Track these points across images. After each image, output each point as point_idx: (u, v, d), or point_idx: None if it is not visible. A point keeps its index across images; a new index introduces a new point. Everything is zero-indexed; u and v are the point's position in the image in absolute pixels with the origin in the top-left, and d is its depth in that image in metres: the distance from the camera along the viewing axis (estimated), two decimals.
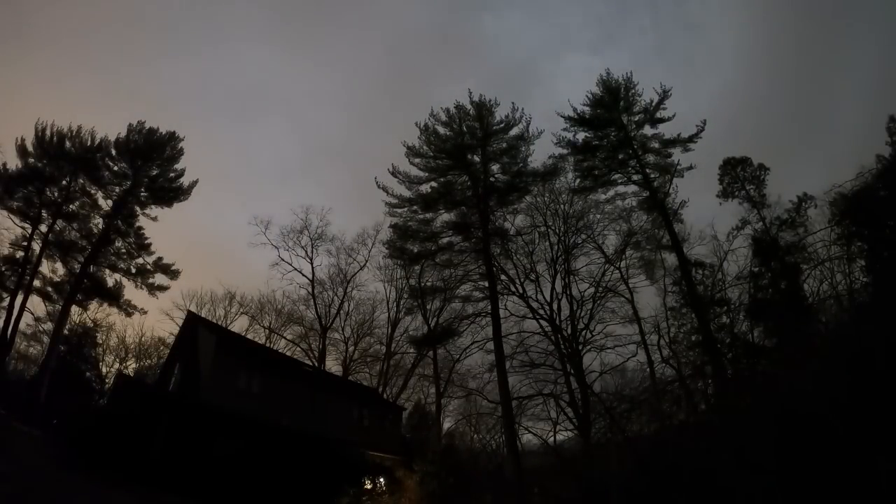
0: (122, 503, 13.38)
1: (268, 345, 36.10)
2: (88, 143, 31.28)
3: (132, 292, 33.05)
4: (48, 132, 30.60)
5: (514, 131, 27.05)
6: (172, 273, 33.17)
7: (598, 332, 26.01)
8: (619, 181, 26.62)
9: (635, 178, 26.09)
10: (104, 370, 34.45)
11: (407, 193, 27.68)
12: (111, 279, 32.47)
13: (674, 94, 25.33)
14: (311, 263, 37.75)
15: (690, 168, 25.25)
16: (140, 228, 32.67)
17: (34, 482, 12.81)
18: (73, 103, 67.24)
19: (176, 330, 30.86)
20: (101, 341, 34.81)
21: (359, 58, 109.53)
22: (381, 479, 21.61)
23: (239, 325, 39.02)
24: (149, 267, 32.75)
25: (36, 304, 32.24)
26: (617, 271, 26.56)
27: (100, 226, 31.88)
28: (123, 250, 32.66)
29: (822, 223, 20.47)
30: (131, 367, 38.56)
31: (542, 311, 26.25)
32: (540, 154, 48.20)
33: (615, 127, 26.35)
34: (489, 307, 25.80)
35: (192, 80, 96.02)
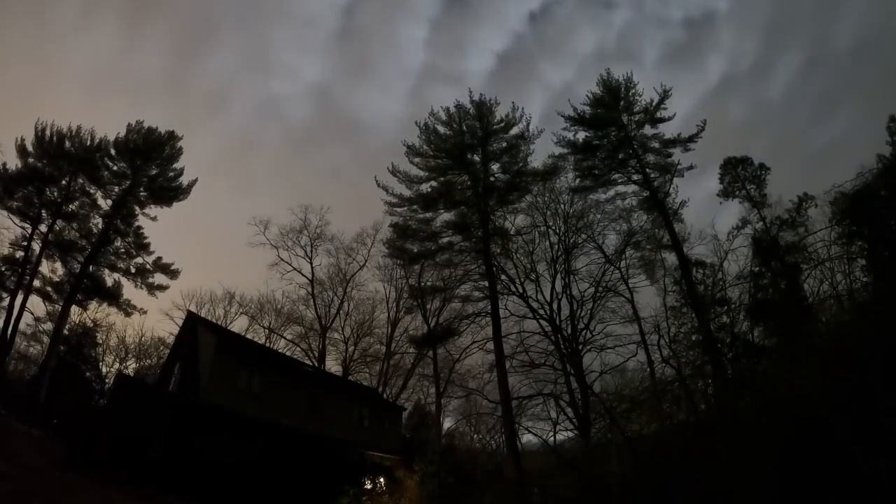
0: (122, 503, 13.38)
1: (268, 345, 36.12)
2: (88, 143, 31.30)
3: (132, 292, 33.15)
4: (48, 132, 30.64)
5: (515, 130, 27.09)
6: (172, 273, 33.24)
7: (598, 332, 26.11)
8: (619, 181, 26.66)
9: (635, 177, 26.11)
10: (104, 370, 34.52)
11: (407, 192, 27.71)
12: (110, 279, 32.56)
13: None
14: (311, 263, 37.79)
15: (691, 168, 25.34)
16: (139, 228, 32.77)
17: (34, 482, 12.81)
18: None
19: (176, 330, 30.88)
20: (101, 341, 34.92)
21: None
22: (381, 479, 21.63)
23: (239, 325, 39.10)
24: (148, 267, 32.81)
25: (36, 304, 32.30)
26: (617, 271, 26.60)
27: (99, 226, 31.95)
28: (123, 250, 32.71)
29: (822, 223, 20.47)
30: (131, 367, 38.60)
31: (542, 311, 26.29)
32: (540, 153, 48.41)
33: (615, 126, 26.36)
34: (489, 307, 25.81)
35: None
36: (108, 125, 69.36)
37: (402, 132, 66.91)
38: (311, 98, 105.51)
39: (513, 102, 28.95)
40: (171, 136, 33.06)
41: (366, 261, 37.90)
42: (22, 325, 30.84)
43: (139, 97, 75.75)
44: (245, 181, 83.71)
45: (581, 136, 26.78)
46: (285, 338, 38.78)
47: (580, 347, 25.53)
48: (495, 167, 27.79)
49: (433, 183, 27.72)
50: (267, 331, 39.13)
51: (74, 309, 31.65)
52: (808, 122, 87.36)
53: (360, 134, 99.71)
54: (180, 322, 31.34)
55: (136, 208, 32.65)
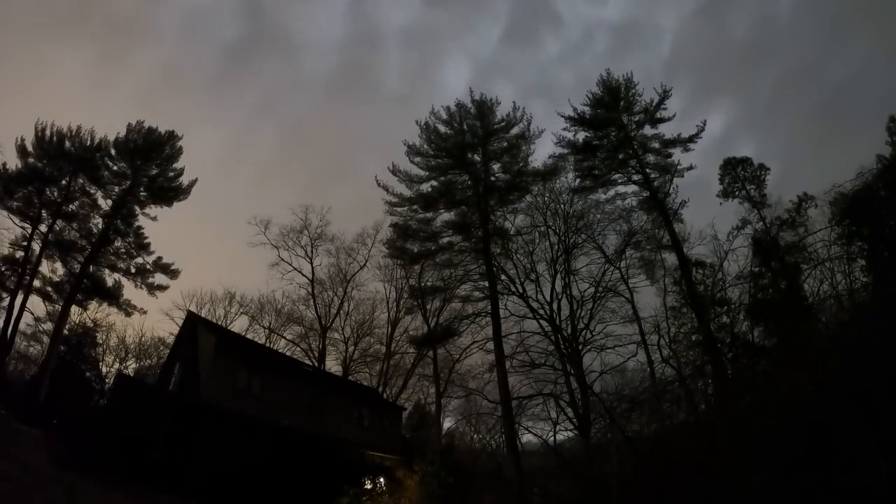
0: (122, 503, 13.39)
1: (268, 345, 36.10)
2: (88, 143, 31.28)
3: (132, 292, 33.10)
4: (48, 132, 30.61)
5: (515, 130, 27.17)
6: (172, 273, 33.20)
7: (598, 332, 26.09)
8: (620, 181, 26.73)
9: (635, 177, 26.15)
10: (104, 370, 34.48)
11: (407, 192, 27.75)
12: (110, 279, 32.52)
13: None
14: (311, 263, 37.77)
15: (691, 168, 25.37)
16: (139, 228, 32.69)
17: (34, 482, 12.81)
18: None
19: (176, 330, 30.86)
20: (101, 341, 34.87)
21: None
22: (381, 479, 21.61)
23: (239, 325, 39.09)
24: (148, 267, 32.76)
25: (36, 304, 32.28)
26: (617, 271, 26.59)
27: (99, 226, 31.91)
28: (123, 250, 32.66)
29: (822, 223, 20.49)
30: (131, 367, 38.62)
31: (542, 311, 26.28)
32: (541, 153, 48.32)
33: (615, 127, 26.39)
34: (489, 307, 25.83)
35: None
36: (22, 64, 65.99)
37: (343, 56, 62.85)
38: (238, 13, 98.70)
39: (513, 102, 29.06)
40: (172, 136, 33.07)
41: (366, 261, 37.93)
42: (22, 325, 30.91)
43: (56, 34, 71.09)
44: (176, 118, 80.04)
45: (581, 136, 26.89)
46: (285, 338, 38.83)
47: (580, 347, 25.53)
48: (496, 167, 27.88)
49: (433, 183, 27.81)
50: (267, 331, 39.18)
51: (74, 309, 31.65)
52: (821, 49, 78.32)
53: (295, 55, 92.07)
54: (180, 322, 31.35)
55: (137, 208, 32.62)
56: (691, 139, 25.13)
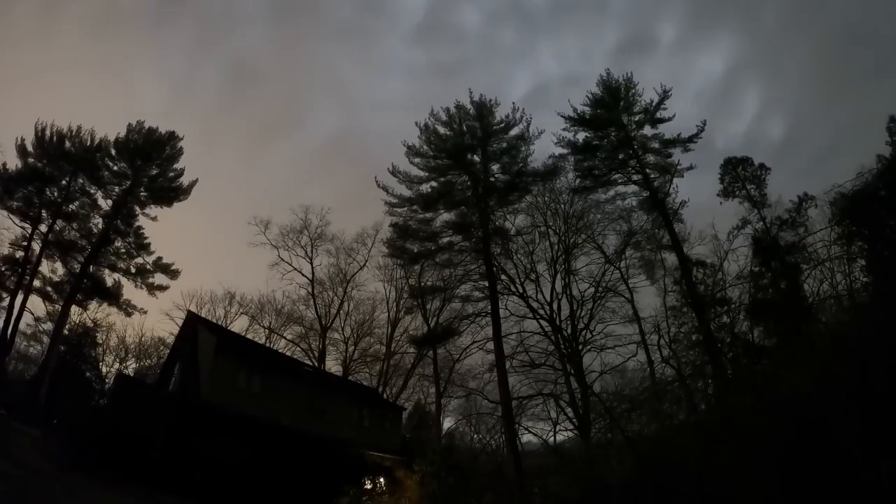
0: (122, 503, 13.40)
1: (268, 345, 36.13)
2: (88, 143, 31.31)
3: (132, 292, 33.13)
4: (48, 132, 30.65)
5: (515, 131, 27.11)
6: (172, 273, 33.21)
7: (598, 332, 26.07)
8: (620, 181, 26.66)
9: (635, 178, 26.12)
10: (104, 370, 34.48)
11: (407, 193, 27.73)
12: (110, 279, 32.56)
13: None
14: (311, 263, 37.84)
15: (690, 168, 25.35)
16: (140, 228, 32.74)
17: (34, 482, 12.82)
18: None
19: (176, 330, 30.86)
20: (101, 341, 34.84)
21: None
22: (381, 479, 21.63)
23: (239, 325, 39.12)
24: (148, 267, 32.78)
25: (36, 304, 32.28)
26: (617, 271, 26.58)
27: (99, 226, 31.96)
28: (123, 250, 32.70)
29: (822, 223, 20.46)
30: (131, 367, 38.61)
31: (542, 311, 26.29)
32: (540, 154, 48.10)
33: (615, 127, 26.36)
34: (489, 307, 25.79)
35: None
36: None
37: None
38: None
39: (513, 103, 29.05)
40: (172, 136, 33.10)
41: (366, 261, 38.02)
42: (22, 325, 30.93)
43: None
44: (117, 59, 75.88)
45: (581, 136, 26.82)
46: (285, 338, 38.86)
47: (580, 347, 25.52)
48: (495, 167, 27.83)
49: (433, 183, 27.77)
50: (267, 331, 39.22)
51: (74, 309, 31.66)
52: None
53: None
54: (180, 322, 31.32)
55: (137, 208, 32.67)
56: (691, 139, 25.10)
